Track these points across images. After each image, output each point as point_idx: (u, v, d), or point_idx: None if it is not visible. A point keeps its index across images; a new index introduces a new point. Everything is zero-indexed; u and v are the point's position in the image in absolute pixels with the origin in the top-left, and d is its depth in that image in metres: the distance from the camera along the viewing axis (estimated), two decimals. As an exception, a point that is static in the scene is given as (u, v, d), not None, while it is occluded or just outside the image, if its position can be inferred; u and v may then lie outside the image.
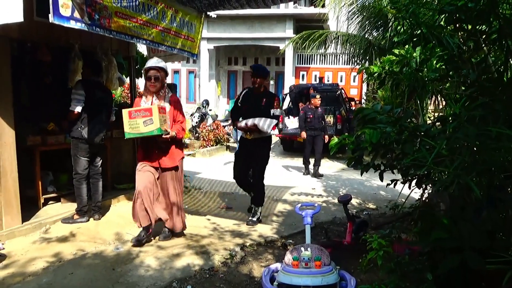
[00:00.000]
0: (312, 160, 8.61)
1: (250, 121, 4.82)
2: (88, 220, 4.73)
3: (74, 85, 4.68)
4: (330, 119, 11.44)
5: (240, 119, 4.95)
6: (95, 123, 4.63)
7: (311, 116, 8.51)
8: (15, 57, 4.50)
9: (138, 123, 3.83)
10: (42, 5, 3.52)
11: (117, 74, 5.72)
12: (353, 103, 12.19)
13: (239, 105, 5.06)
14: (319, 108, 8.66)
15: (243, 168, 5.16)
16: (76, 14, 3.60)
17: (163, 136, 3.92)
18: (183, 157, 4.33)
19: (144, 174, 4.10)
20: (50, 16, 3.39)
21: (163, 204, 4.24)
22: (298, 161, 10.10)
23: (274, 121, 4.89)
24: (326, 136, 8.61)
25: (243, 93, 5.13)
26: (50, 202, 5.22)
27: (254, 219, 4.92)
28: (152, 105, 3.94)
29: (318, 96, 8.72)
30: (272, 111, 4.87)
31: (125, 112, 3.88)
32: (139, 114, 3.83)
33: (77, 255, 3.84)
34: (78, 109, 4.51)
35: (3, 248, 3.77)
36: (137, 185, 4.06)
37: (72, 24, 3.59)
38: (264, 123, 4.79)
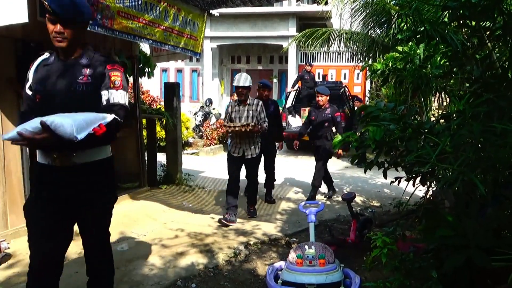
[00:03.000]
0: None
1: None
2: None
3: None
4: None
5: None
6: None
7: (313, 118, 6.40)
8: (19, 58, 4.51)
9: None
10: (45, 5, 3.52)
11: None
12: (357, 102, 11.71)
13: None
14: (326, 109, 6.29)
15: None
16: (79, 14, 3.60)
17: None
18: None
19: None
20: (53, 16, 3.39)
21: None
22: (302, 159, 10.09)
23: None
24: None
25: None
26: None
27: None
28: None
29: (322, 94, 6.32)
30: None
31: None
32: None
33: (82, 254, 3.83)
34: None
35: (9, 247, 3.79)
36: None
37: (75, 24, 3.59)
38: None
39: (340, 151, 6.13)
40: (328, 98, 6.37)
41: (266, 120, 5.14)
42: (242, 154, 5.03)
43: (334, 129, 6.32)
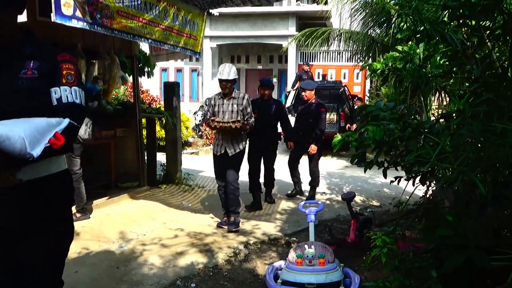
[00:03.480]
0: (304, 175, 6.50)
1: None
2: (90, 217, 4.76)
3: None
4: (333, 116, 11.42)
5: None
6: (86, 123, 4.63)
7: (299, 114, 6.46)
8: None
9: None
10: (45, 4, 3.52)
11: (120, 73, 5.72)
12: (359, 102, 11.53)
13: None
14: (312, 104, 6.09)
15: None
16: (78, 13, 3.60)
17: None
18: None
19: None
20: (52, 15, 3.39)
21: None
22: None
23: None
24: (313, 146, 5.93)
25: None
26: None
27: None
28: None
29: (305, 89, 6.14)
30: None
31: None
32: None
33: (81, 254, 3.85)
34: None
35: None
36: None
37: (74, 23, 3.59)
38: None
39: (313, 149, 5.95)
40: (313, 92, 6.15)
41: (253, 115, 4.72)
42: (224, 151, 4.63)
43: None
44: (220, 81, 4.62)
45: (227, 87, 4.60)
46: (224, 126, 4.47)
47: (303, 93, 6.18)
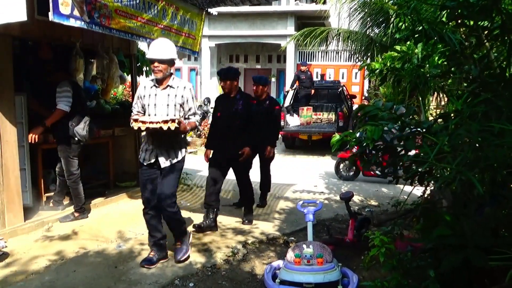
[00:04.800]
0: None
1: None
2: (88, 217, 4.76)
3: (60, 84, 4.55)
4: (331, 116, 11.44)
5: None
6: (85, 121, 4.63)
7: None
8: (16, 56, 4.49)
9: None
10: (43, 3, 3.52)
11: (119, 72, 5.71)
12: (357, 101, 11.61)
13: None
14: (265, 101, 5.44)
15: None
16: (76, 12, 3.60)
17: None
18: None
19: None
20: (50, 14, 3.39)
21: None
22: (300, 159, 10.10)
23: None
24: (269, 149, 5.33)
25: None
26: (53, 200, 5.23)
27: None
28: None
29: (257, 83, 5.39)
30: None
31: None
32: None
33: (80, 253, 3.85)
34: (68, 108, 4.47)
35: (6, 246, 3.78)
36: None
37: (72, 22, 3.59)
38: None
39: (269, 151, 5.34)
40: (266, 88, 5.43)
41: (197, 112, 3.66)
42: (155, 160, 3.50)
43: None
44: (151, 62, 3.40)
45: (161, 71, 3.37)
46: (152, 127, 3.25)
47: (253, 87, 5.43)
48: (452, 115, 2.40)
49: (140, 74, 6.67)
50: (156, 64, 3.35)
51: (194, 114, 3.59)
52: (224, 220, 4.94)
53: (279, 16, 16.33)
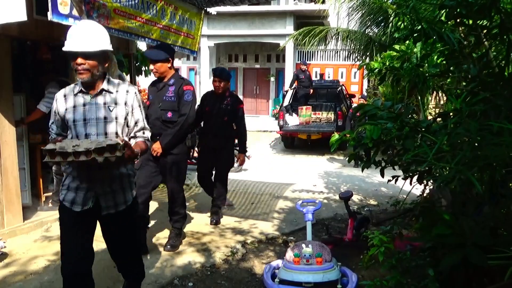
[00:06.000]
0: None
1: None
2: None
3: (47, 85, 4.52)
4: (331, 115, 11.45)
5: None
6: None
7: (207, 109, 4.67)
8: (15, 56, 4.49)
9: None
10: (41, 3, 3.51)
11: (117, 71, 5.70)
12: (356, 100, 11.60)
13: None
14: (226, 98, 4.68)
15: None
16: (75, 12, 3.60)
17: None
18: None
19: None
20: (49, 13, 3.39)
21: None
22: (299, 158, 10.10)
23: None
24: (242, 158, 4.95)
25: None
26: (51, 200, 5.23)
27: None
28: None
29: (218, 78, 4.58)
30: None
31: None
32: None
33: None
34: (46, 109, 4.40)
35: (5, 247, 3.78)
36: None
37: (71, 22, 3.59)
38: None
39: (242, 160, 4.93)
40: (228, 84, 4.67)
41: (147, 126, 2.48)
42: (94, 205, 2.29)
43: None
44: (73, 57, 2.25)
45: (88, 70, 2.23)
46: (81, 160, 2.03)
47: (213, 83, 4.65)
48: (451, 114, 2.40)
49: (139, 74, 6.67)
50: (79, 60, 2.20)
51: (143, 129, 2.45)
52: (223, 220, 4.94)
53: (278, 15, 16.33)
